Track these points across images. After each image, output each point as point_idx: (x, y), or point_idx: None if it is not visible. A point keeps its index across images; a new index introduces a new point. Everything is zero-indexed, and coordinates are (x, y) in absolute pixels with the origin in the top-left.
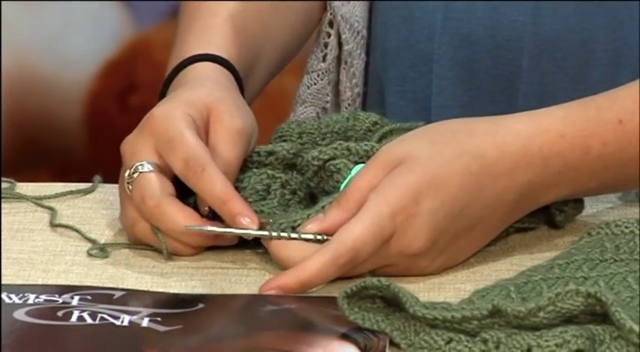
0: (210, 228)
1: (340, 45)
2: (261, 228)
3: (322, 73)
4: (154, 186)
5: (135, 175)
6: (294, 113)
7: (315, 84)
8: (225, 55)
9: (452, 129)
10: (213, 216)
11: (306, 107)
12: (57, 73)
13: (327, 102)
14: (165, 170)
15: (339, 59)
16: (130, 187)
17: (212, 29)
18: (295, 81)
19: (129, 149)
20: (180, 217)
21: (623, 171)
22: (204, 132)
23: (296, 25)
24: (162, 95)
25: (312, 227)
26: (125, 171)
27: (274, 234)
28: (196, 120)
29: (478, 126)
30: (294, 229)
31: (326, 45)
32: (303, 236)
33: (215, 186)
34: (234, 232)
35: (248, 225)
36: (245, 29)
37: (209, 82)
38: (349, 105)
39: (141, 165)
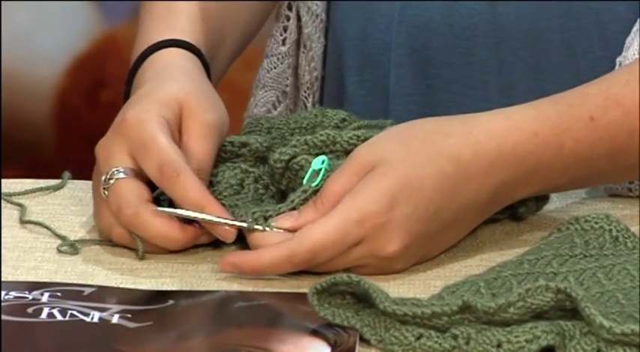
0: (180, 212)
1: (299, 28)
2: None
3: (282, 57)
4: (130, 193)
5: (111, 181)
6: (254, 97)
7: (275, 68)
8: (192, 40)
9: (425, 130)
10: (191, 220)
11: (266, 91)
12: (26, 69)
13: (286, 85)
14: (140, 174)
15: (298, 43)
16: (107, 193)
17: (176, 13)
18: None
19: (103, 152)
20: (158, 224)
21: (593, 167)
22: (177, 129)
23: (256, 7)
24: (129, 83)
25: (285, 222)
26: (101, 176)
27: (246, 225)
28: (169, 121)
29: (452, 127)
30: (266, 219)
31: (285, 29)
32: (274, 229)
33: (190, 192)
34: (206, 218)
35: (227, 232)
36: (208, 12)
37: (179, 74)
38: (308, 88)
39: (117, 170)
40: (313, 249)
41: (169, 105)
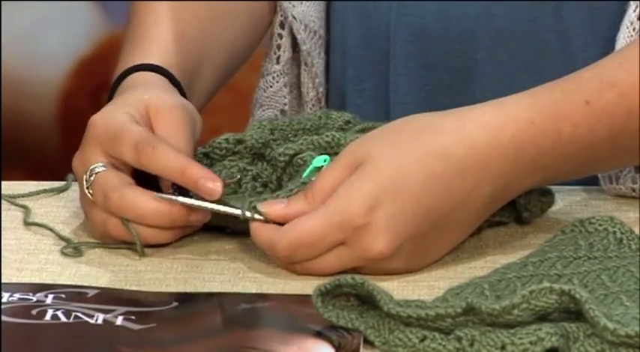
0: (180, 198)
1: (296, 46)
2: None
3: (277, 75)
4: (112, 180)
5: (92, 178)
6: (253, 117)
7: (271, 86)
8: (162, 63)
9: (417, 127)
10: (180, 195)
11: (264, 110)
12: (30, 71)
13: (285, 104)
14: (120, 167)
15: (298, 61)
16: (91, 190)
17: (150, 39)
18: None
19: (79, 162)
20: (146, 199)
21: (594, 151)
22: (148, 128)
23: (242, 29)
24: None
25: (274, 209)
26: (82, 181)
27: (238, 212)
28: (136, 118)
29: (444, 123)
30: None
31: (279, 47)
32: (258, 216)
33: (169, 159)
34: (202, 205)
35: (214, 187)
36: (184, 34)
37: (144, 85)
38: (313, 105)
39: (95, 166)
40: (290, 247)
41: (134, 105)
